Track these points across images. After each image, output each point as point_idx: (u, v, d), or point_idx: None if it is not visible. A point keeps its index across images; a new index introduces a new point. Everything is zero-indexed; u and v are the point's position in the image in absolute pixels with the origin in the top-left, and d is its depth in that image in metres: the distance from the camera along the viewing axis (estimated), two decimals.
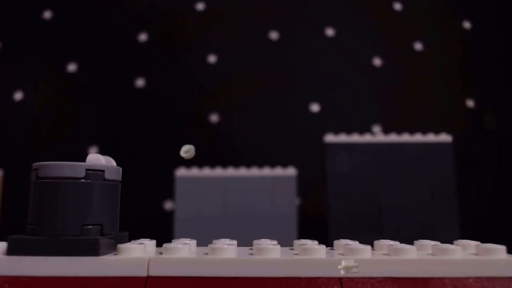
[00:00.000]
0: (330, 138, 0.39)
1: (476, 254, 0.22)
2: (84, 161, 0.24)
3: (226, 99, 0.66)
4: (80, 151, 0.61)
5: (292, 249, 0.25)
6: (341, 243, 0.24)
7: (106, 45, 0.67)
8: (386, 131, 0.61)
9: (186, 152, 0.34)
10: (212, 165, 0.52)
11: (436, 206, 0.36)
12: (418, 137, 0.38)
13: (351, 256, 0.21)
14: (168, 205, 0.60)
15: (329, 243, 0.25)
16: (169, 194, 0.56)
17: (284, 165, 0.52)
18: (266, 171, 0.51)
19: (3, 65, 0.66)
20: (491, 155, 0.63)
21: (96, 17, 0.68)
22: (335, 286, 0.20)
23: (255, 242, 0.24)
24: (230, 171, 0.51)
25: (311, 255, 0.21)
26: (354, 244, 0.23)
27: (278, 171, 0.51)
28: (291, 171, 0.51)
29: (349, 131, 0.40)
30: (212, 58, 0.67)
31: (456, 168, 0.38)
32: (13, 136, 0.63)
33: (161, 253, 0.22)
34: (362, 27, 0.69)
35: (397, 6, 0.70)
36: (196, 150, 0.64)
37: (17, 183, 0.41)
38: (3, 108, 0.65)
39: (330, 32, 0.68)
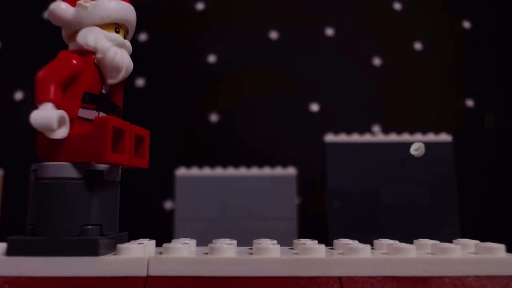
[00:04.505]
0: (330, 138, 0.39)
1: (475, 253, 0.22)
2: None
3: (226, 99, 0.66)
4: None
5: (292, 248, 0.25)
6: (341, 243, 0.24)
7: None
8: (386, 131, 0.61)
9: (416, 150, 0.34)
10: (212, 165, 0.52)
11: (436, 206, 0.36)
12: (418, 137, 0.38)
13: (350, 255, 0.21)
14: (168, 205, 0.60)
15: (329, 243, 0.25)
16: (169, 194, 0.56)
17: (284, 165, 0.52)
18: (266, 171, 0.51)
19: (3, 65, 0.66)
20: (491, 155, 0.63)
21: None
22: (335, 285, 0.20)
23: (255, 241, 0.24)
24: (230, 171, 0.51)
25: (311, 255, 0.21)
26: (354, 243, 0.23)
27: (278, 171, 0.51)
28: (291, 171, 0.51)
29: (349, 131, 0.40)
30: (212, 58, 0.67)
31: (456, 167, 0.38)
32: (13, 136, 0.63)
33: (160, 253, 0.22)
34: (362, 27, 0.68)
35: (397, 6, 0.70)
36: (196, 150, 0.64)
37: (17, 183, 0.41)
38: (3, 108, 0.65)
39: (330, 32, 0.68)
